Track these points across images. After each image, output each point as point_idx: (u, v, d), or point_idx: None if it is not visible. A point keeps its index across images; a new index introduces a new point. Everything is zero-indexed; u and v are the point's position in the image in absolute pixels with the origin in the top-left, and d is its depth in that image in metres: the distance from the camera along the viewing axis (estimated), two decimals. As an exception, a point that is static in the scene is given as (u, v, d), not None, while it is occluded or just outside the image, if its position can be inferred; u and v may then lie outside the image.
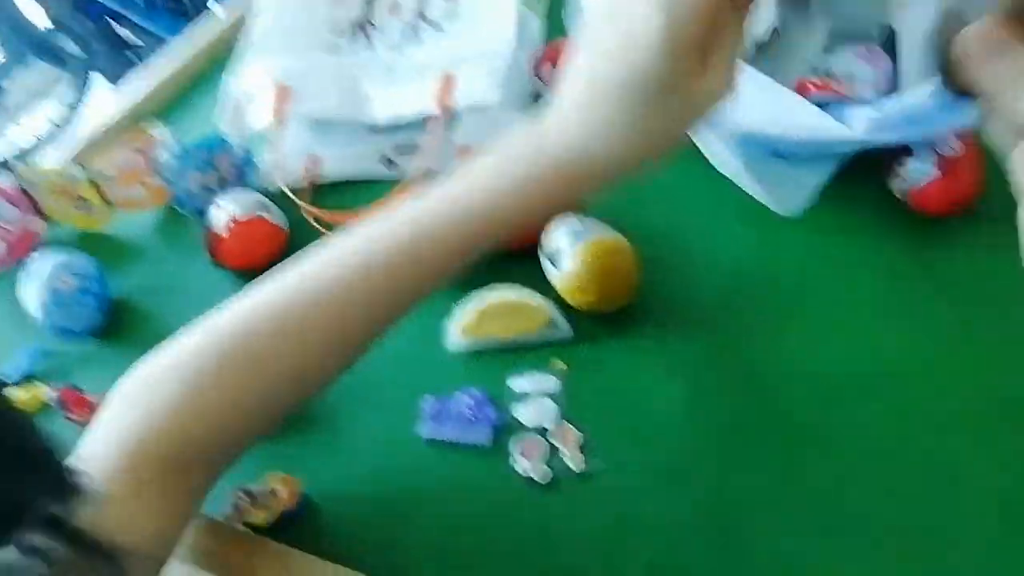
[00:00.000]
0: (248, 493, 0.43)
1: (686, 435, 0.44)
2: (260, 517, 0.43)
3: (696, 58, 0.31)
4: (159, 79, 0.81)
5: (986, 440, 0.41)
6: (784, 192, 0.51)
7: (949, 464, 0.41)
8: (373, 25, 0.71)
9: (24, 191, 0.65)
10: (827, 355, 0.47)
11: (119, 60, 2.18)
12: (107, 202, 0.65)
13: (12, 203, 0.65)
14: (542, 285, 0.51)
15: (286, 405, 0.40)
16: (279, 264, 0.39)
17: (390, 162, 0.67)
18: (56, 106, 2.31)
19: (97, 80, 2.22)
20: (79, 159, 0.72)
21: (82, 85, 2.23)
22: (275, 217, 0.60)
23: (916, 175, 0.50)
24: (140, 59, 2.19)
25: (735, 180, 0.51)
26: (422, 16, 0.71)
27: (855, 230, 0.52)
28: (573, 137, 0.35)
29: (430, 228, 0.37)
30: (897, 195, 0.52)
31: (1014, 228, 0.52)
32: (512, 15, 0.68)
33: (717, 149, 0.52)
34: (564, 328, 0.50)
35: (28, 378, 0.55)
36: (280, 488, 0.43)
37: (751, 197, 0.51)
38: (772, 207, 0.50)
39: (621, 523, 0.41)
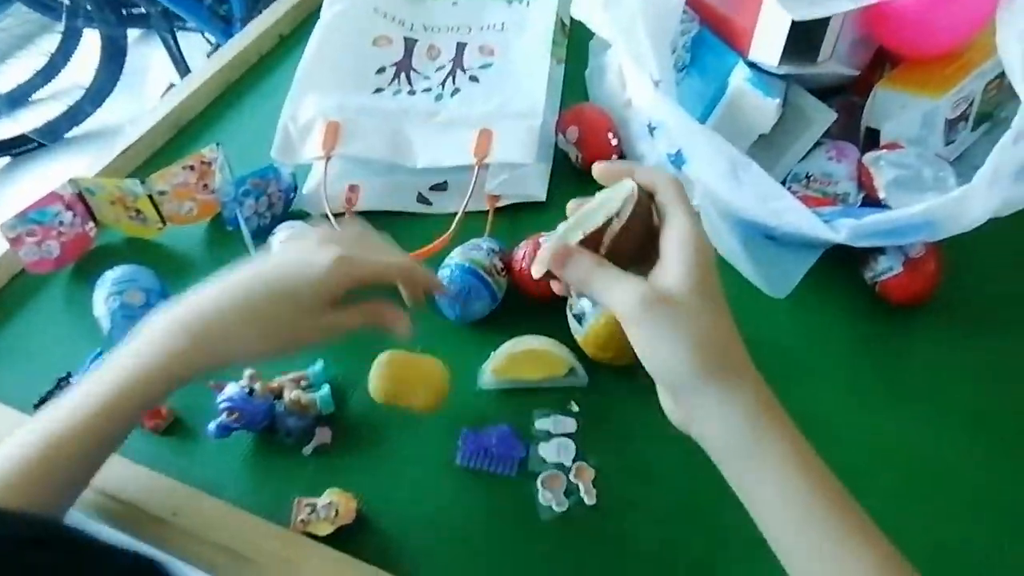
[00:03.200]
0: (311, 506, 0.51)
1: (684, 478, 0.53)
2: (322, 528, 0.50)
3: (330, 305, 0.48)
4: (198, 88, 0.86)
5: (916, 497, 0.51)
6: (775, 275, 0.60)
7: (870, 514, 0.50)
8: (415, 70, 0.77)
9: (81, 197, 0.70)
10: (793, 412, 0.56)
11: (112, 17, 2.15)
12: (161, 216, 0.70)
13: (68, 208, 0.69)
14: (565, 337, 0.59)
15: None
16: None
17: (423, 199, 0.74)
18: (38, 57, 2.27)
19: (87, 37, 2.19)
20: (122, 168, 0.77)
21: (70, 39, 2.19)
22: (323, 247, 0.66)
23: (884, 269, 0.60)
24: (139, 22, 2.16)
25: (732, 262, 0.60)
26: (460, 67, 0.77)
27: (829, 310, 0.62)
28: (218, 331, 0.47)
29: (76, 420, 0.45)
30: (868, 283, 0.61)
31: (963, 322, 0.62)
32: (544, 75, 0.75)
33: (719, 230, 0.61)
34: (582, 376, 0.58)
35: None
36: (340, 503, 0.51)
37: (745, 278, 0.60)
38: (763, 288, 0.59)
39: (627, 552, 0.50)
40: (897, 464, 0.53)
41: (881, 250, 0.59)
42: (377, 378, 0.53)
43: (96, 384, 0.46)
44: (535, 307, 0.62)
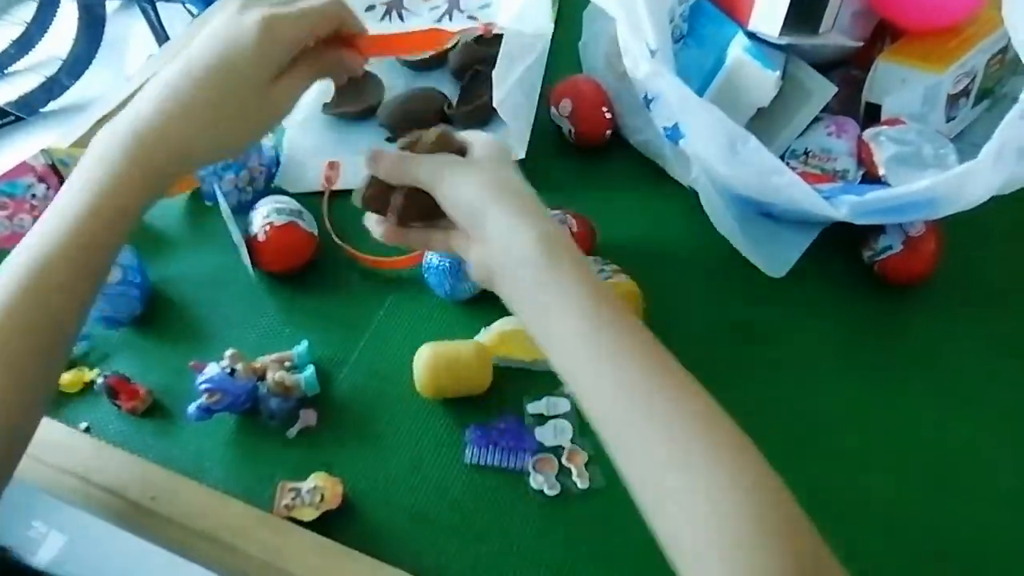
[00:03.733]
0: (295, 490, 0.49)
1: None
2: (306, 513, 0.48)
3: (274, 76, 0.45)
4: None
5: (914, 477, 0.50)
6: (773, 253, 0.58)
7: (872, 494, 0.50)
8: (407, 9, 0.74)
9: (54, 169, 0.67)
10: (792, 393, 0.55)
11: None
12: (138, 189, 0.68)
13: (41, 180, 0.67)
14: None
15: None
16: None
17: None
18: (13, 27, 2.20)
19: (64, 7, 2.12)
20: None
21: (47, 8, 2.13)
22: (307, 223, 0.64)
23: (883, 248, 0.58)
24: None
25: (729, 239, 0.59)
26: (457, 7, 0.75)
27: (826, 289, 0.60)
28: (168, 122, 0.44)
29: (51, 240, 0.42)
30: (866, 262, 0.60)
31: (962, 302, 0.61)
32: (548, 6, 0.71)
33: (717, 208, 0.59)
34: (574, 357, 0.56)
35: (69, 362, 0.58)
36: (325, 488, 0.49)
37: (741, 256, 0.59)
38: (760, 266, 0.58)
39: (620, 537, 0.49)
40: (895, 444, 0.52)
41: (881, 228, 0.58)
42: (423, 373, 0.53)
43: (47, 231, 0.42)
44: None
